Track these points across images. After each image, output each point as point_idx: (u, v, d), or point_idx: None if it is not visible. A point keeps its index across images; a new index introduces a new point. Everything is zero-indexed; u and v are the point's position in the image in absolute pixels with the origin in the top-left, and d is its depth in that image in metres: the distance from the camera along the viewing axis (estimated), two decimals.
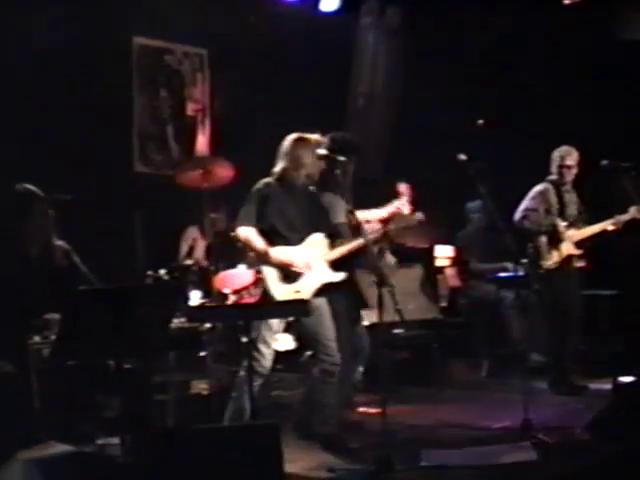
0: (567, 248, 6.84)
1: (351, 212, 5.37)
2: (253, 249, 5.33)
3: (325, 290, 5.32)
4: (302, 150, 5.32)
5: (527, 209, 6.88)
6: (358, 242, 5.35)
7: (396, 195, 6.00)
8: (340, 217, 5.56)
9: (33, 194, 4.78)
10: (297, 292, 5.22)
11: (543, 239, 6.81)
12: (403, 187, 6.46)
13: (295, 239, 5.30)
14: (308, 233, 5.34)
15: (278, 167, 5.37)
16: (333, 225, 5.49)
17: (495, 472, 4.80)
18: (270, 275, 5.24)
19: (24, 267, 4.65)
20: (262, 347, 5.20)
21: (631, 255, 7.44)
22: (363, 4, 9.02)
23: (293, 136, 5.39)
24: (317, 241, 5.36)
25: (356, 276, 5.80)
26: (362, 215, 5.62)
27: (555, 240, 6.81)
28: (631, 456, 4.62)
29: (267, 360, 5.23)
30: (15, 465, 3.87)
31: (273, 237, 5.26)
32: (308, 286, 5.25)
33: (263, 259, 5.26)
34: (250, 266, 6.29)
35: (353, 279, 5.68)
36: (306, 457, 5.13)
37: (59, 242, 4.86)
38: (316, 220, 5.39)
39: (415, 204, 5.88)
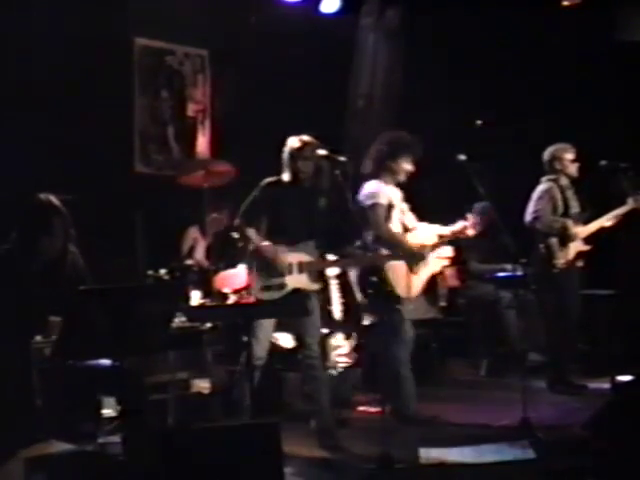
0: (576, 245, 6.86)
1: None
2: (245, 240, 5.49)
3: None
4: (299, 159, 5.45)
5: (537, 210, 6.88)
6: (342, 261, 5.57)
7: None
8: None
9: (54, 209, 4.72)
10: (268, 289, 5.35)
11: (554, 239, 6.82)
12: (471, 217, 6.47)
13: (286, 241, 5.41)
14: (301, 238, 5.44)
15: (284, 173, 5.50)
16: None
17: (494, 470, 4.82)
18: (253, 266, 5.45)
19: (32, 273, 4.63)
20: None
21: (630, 255, 7.47)
22: (363, 5, 9.04)
23: (289, 146, 5.48)
24: (307, 248, 5.45)
25: None
26: (426, 228, 5.98)
27: (565, 239, 6.83)
28: (629, 456, 4.62)
29: (262, 350, 5.35)
30: (16, 464, 3.89)
31: (265, 234, 5.43)
32: (282, 286, 5.36)
33: (251, 252, 5.44)
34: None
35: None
36: (306, 456, 5.16)
37: (72, 249, 4.84)
38: (313, 225, 5.47)
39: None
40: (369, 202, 5.91)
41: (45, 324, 4.50)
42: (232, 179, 6.53)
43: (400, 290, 5.85)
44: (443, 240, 6.11)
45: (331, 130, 8.08)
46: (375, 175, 6.02)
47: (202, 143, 8.24)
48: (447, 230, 6.11)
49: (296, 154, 5.44)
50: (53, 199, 4.71)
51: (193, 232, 7.42)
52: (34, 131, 6.69)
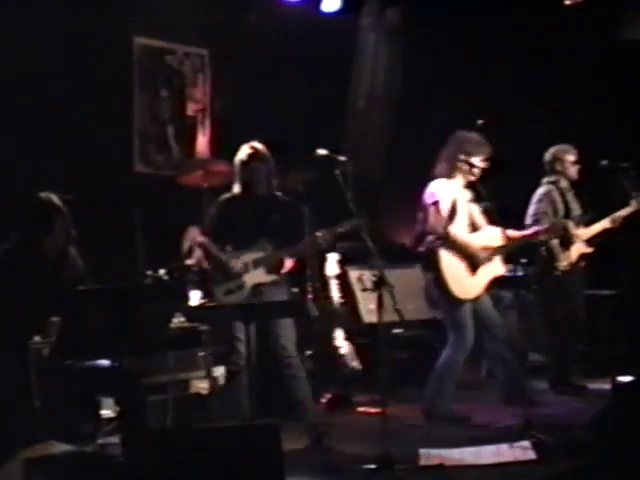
0: (579, 247, 6.84)
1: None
2: (209, 255, 5.68)
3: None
4: (250, 164, 5.59)
5: (537, 212, 6.87)
6: (285, 251, 5.58)
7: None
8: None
9: (55, 209, 4.71)
10: (229, 293, 5.48)
11: (555, 241, 6.81)
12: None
13: (243, 249, 5.57)
14: (256, 242, 5.57)
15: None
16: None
17: (494, 472, 4.80)
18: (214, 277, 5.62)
19: (32, 274, 4.62)
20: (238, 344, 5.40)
21: (631, 255, 7.45)
22: (364, 5, 9.04)
23: (241, 154, 5.61)
24: (259, 246, 5.57)
25: None
26: (493, 230, 6.02)
27: (567, 241, 6.81)
28: (630, 456, 4.61)
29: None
30: (15, 465, 3.88)
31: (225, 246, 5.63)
32: (242, 286, 5.50)
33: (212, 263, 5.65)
34: None
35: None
36: (306, 457, 5.15)
37: (72, 249, 4.83)
38: (267, 229, 5.54)
39: None
40: (430, 200, 5.97)
41: (44, 324, 4.49)
42: (231, 179, 6.51)
43: (455, 290, 5.87)
44: (511, 243, 6.09)
45: (331, 130, 8.09)
46: (448, 176, 6.06)
47: (202, 143, 8.22)
48: (519, 234, 6.17)
49: (247, 160, 5.58)
50: (54, 198, 4.70)
51: (193, 232, 7.40)
52: (34, 131, 6.68)
